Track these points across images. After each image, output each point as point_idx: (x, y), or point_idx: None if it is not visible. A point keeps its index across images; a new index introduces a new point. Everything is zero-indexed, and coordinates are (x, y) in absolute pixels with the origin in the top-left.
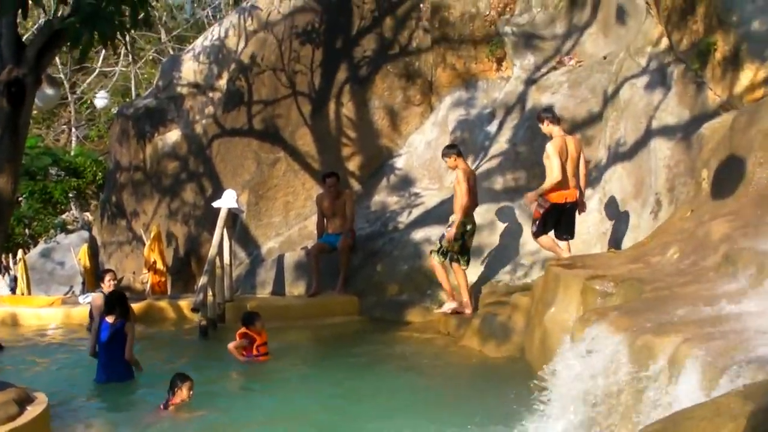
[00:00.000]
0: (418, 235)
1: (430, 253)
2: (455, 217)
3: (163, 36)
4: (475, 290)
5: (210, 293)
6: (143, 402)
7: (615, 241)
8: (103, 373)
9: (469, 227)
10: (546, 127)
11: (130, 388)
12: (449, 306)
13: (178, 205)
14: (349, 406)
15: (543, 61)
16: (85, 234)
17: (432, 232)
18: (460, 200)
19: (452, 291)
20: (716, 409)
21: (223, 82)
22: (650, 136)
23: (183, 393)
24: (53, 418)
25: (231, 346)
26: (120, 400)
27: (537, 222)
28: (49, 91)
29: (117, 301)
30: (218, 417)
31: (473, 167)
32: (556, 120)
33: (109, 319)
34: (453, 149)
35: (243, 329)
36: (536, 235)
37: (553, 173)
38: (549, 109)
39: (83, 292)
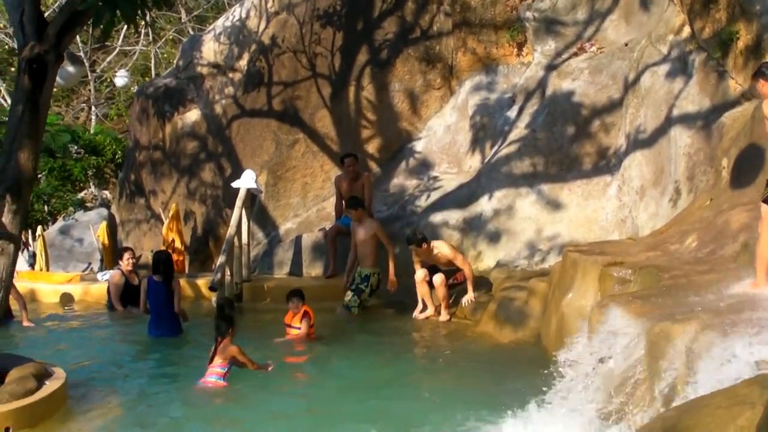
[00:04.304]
0: (437, 218)
1: (350, 308)
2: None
3: (183, 16)
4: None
5: (227, 273)
6: (157, 380)
7: (633, 229)
8: (154, 328)
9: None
10: None
11: (149, 364)
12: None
13: (197, 184)
14: (359, 389)
15: (564, 47)
16: (103, 212)
17: (450, 216)
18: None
19: None
20: (733, 397)
21: (243, 63)
22: (670, 124)
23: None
24: (70, 393)
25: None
26: (136, 376)
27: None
28: (71, 68)
29: (162, 262)
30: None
31: (492, 152)
32: None
33: (156, 278)
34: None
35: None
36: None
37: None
38: None
39: (101, 269)
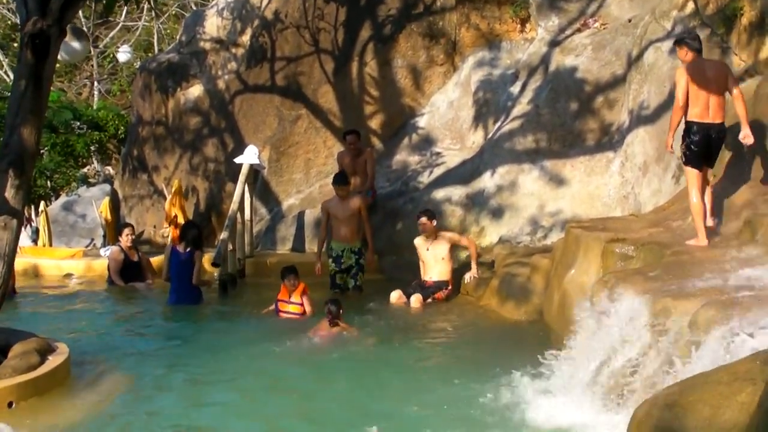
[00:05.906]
0: (439, 194)
1: (358, 289)
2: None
3: None
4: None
5: (230, 248)
6: (159, 353)
7: (636, 205)
8: (174, 296)
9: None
10: None
11: (152, 338)
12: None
13: (200, 160)
14: (360, 365)
15: (567, 23)
16: (106, 187)
17: (453, 192)
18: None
19: None
20: (734, 373)
21: (246, 38)
22: (674, 100)
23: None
24: (73, 368)
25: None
26: (138, 351)
27: None
28: (76, 44)
29: (188, 231)
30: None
31: (494, 128)
32: None
33: (180, 248)
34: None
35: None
36: None
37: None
38: None
39: (104, 244)
